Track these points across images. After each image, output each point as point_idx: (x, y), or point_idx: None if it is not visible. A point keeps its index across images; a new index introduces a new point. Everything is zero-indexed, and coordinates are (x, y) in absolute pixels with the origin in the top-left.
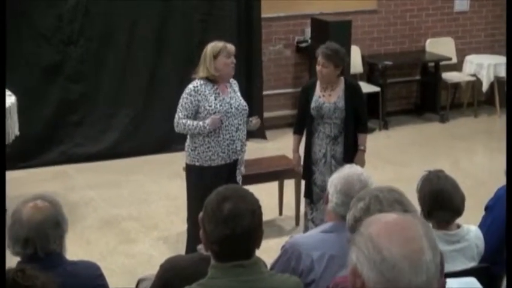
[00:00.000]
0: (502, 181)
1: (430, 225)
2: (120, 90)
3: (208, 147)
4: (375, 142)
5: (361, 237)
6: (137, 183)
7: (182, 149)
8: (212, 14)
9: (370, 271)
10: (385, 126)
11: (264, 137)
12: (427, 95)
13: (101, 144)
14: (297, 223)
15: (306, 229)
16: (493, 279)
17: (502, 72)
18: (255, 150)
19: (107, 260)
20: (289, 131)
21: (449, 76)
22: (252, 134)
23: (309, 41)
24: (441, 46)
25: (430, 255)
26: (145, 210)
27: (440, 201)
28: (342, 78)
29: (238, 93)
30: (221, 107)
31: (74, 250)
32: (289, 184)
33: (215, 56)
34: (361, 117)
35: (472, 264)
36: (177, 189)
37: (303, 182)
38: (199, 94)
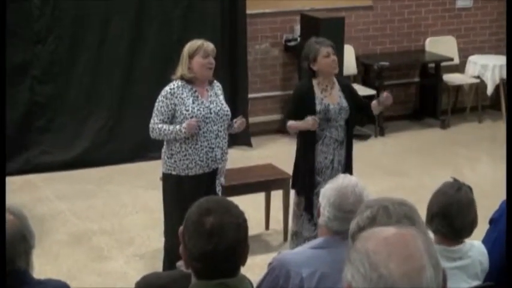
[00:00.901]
0: None
1: (432, 235)
2: (92, 92)
3: (186, 155)
4: (370, 150)
5: (357, 253)
6: (110, 194)
7: (159, 157)
8: (193, 10)
9: None
10: (382, 132)
11: (249, 144)
12: (427, 98)
13: (70, 152)
14: (285, 238)
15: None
16: None
17: None
18: (239, 158)
19: (78, 279)
20: (276, 138)
21: (451, 78)
22: (236, 141)
23: (298, 39)
24: (442, 45)
25: (431, 273)
26: (120, 224)
27: (447, 214)
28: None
29: (221, 97)
30: (199, 112)
31: (42, 267)
32: (277, 195)
33: (191, 56)
34: (364, 103)
35: (475, 282)
36: (154, 201)
37: (292, 193)
38: (176, 97)
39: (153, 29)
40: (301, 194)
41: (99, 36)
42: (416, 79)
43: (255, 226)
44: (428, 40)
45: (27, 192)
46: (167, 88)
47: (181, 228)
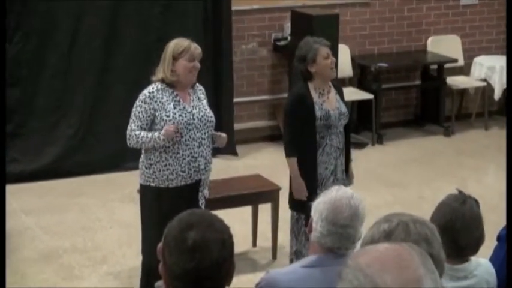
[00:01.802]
0: None
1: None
2: (63, 96)
3: (166, 165)
4: (367, 159)
5: (350, 269)
6: (83, 208)
7: (136, 167)
8: (173, 6)
9: None
10: (379, 140)
11: (234, 152)
12: (429, 103)
13: (39, 161)
14: (274, 256)
15: None
16: None
17: None
18: (223, 168)
19: None
20: (264, 146)
21: (455, 81)
22: (220, 150)
23: (289, 38)
24: (445, 45)
25: (430, 285)
26: (92, 241)
27: (449, 229)
28: None
29: (204, 102)
30: (181, 118)
31: (8, 287)
32: (265, 209)
33: (175, 57)
34: (350, 123)
35: None
36: (131, 215)
37: (281, 207)
38: (156, 101)
39: (130, 28)
40: (304, 212)
41: (71, 35)
42: (418, 82)
43: (241, 242)
44: (430, 39)
45: None
46: (146, 91)
47: (160, 244)
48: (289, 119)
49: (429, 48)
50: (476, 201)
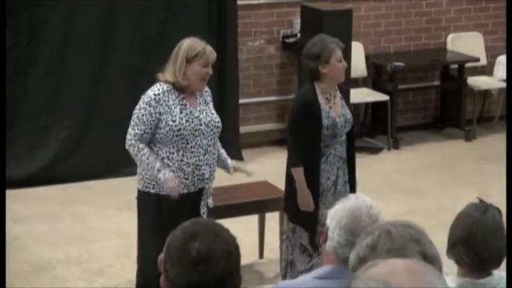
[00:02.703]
0: None
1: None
2: (55, 96)
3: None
4: (382, 165)
5: (358, 279)
6: (77, 216)
7: (134, 173)
8: (174, 1)
9: None
10: (396, 145)
11: (239, 157)
12: (449, 105)
13: (29, 167)
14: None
15: None
16: None
17: None
18: (228, 175)
19: None
20: (272, 151)
21: (477, 82)
22: None
23: (298, 35)
24: (466, 43)
25: (442, 285)
26: (88, 251)
27: (471, 240)
28: None
29: (211, 105)
30: (188, 123)
31: None
32: (273, 218)
33: (189, 60)
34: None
35: None
36: (129, 225)
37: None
38: (161, 104)
39: (127, 23)
40: (302, 224)
41: (64, 31)
42: (437, 82)
43: (247, 254)
44: (450, 37)
45: None
46: (151, 93)
47: (161, 255)
48: (296, 125)
49: (449, 46)
50: (499, 211)
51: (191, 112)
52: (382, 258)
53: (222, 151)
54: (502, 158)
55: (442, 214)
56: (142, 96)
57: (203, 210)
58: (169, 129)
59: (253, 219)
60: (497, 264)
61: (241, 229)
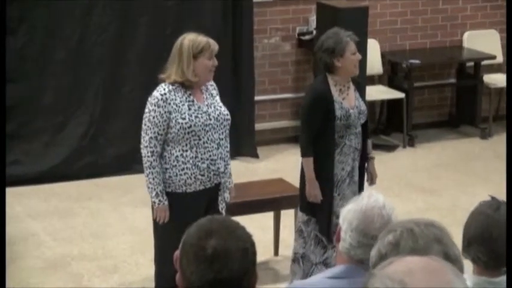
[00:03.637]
0: None
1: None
2: (71, 94)
3: (183, 169)
4: (397, 163)
5: (375, 277)
6: (92, 212)
7: None
8: None
9: None
10: (411, 142)
11: (255, 155)
12: (465, 103)
13: (45, 163)
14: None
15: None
16: None
17: None
18: (243, 171)
19: None
20: (287, 148)
21: (493, 79)
22: (240, 152)
23: (314, 32)
24: (483, 41)
25: (460, 285)
26: (103, 248)
27: (487, 238)
28: None
29: (217, 98)
30: (197, 119)
31: None
32: (288, 215)
33: (195, 56)
34: (368, 120)
35: None
36: (144, 221)
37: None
38: (169, 103)
39: (144, 20)
40: (315, 215)
41: (80, 27)
42: (452, 80)
43: (262, 251)
44: (466, 34)
45: None
46: (157, 94)
47: (177, 252)
48: (307, 116)
49: (465, 43)
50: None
51: (199, 108)
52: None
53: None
54: None
55: (458, 212)
56: (149, 99)
57: (221, 206)
58: (180, 127)
59: (269, 216)
60: (504, 263)
61: (257, 226)
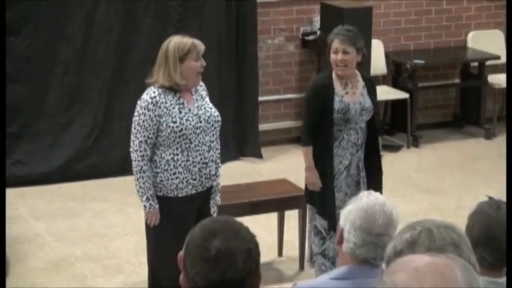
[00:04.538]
0: None
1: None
2: (74, 95)
3: (175, 173)
4: (401, 163)
5: (384, 285)
6: (96, 213)
7: None
8: None
9: None
10: (415, 143)
11: (259, 155)
12: (469, 103)
13: (49, 163)
14: (302, 266)
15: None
16: None
17: None
18: (247, 172)
19: None
20: (291, 148)
21: (498, 79)
22: (244, 152)
23: (318, 32)
24: (487, 41)
25: None
26: (106, 248)
27: (491, 239)
28: (357, 71)
29: (207, 99)
30: (188, 123)
31: None
32: (292, 216)
33: (181, 59)
34: (375, 117)
35: None
36: None
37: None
38: (159, 107)
39: (147, 21)
40: (315, 205)
41: (84, 27)
42: (457, 80)
43: (266, 252)
44: (470, 35)
45: None
46: (146, 97)
47: (180, 253)
48: (308, 107)
49: (469, 44)
50: (503, 202)
51: (190, 110)
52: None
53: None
54: None
55: (462, 212)
56: (138, 102)
57: (213, 209)
58: (171, 130)
59: (273, 217)
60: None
61: (260, 227)
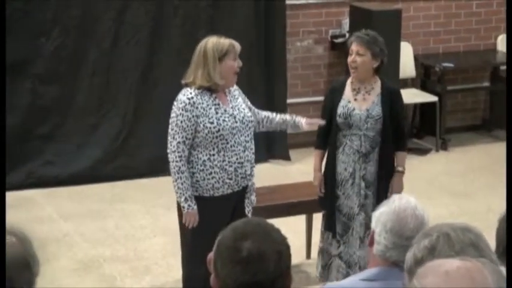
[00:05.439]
0: None
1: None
2: (104, 96)
3: (211, 173)
4: (430, 167)
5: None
6: (125, 214)
7: None
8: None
9: None
10: (444, 146)
11: (287, 157)
12: (498, 107)
13: (78, 164)
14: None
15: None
16: None
17: None
18: (275, 174)
19: None
20: None
21: None
22: (272, 154)
23: (347, 35)
24: None
25: None
26: (135, 250)
27: None
28: (378, 79)
29: (240, 100)
30: (225, 123)
31: None
32: (320, 219)
33: (220, 58)
34: (400, 130)
35: None
36: (176, 223)
37: None
38: (197, 107)
39: (176, 22)
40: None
41: (114, 29)
42: (486, 84)
43: (294, 254)
44: (500, 38)
45: (26, 210)
46: (184, 98)
47: (210, 254)
48: (321, 111)
49: (499, 47)
50: None
51: (225, 111)
52: None
53: (279, 115)
54: None
55: (491, 216)
56: (174, 103)
57: (248, 209)
58: (208, 131)
59: (301, 219)
60: None
61: (289, 229)
